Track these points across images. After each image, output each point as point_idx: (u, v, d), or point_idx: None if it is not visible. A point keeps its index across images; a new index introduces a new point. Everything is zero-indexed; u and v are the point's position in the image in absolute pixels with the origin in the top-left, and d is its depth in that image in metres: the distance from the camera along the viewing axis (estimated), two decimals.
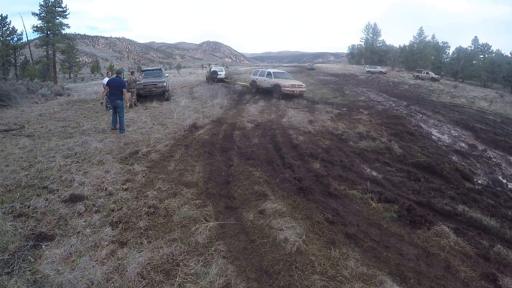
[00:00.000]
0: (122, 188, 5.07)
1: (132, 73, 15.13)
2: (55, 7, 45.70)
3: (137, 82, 14.72)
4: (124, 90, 9.43)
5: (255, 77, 20.72)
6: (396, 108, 15.63)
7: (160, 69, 18.90)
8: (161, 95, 16.02)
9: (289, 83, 17.49)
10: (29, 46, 42.97)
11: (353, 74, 46.00)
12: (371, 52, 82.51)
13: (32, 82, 24.17)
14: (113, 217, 4.15)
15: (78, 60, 62.32)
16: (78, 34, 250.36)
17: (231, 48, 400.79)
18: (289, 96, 17.14)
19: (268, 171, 6.09)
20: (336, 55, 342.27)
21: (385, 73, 48.07)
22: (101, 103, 12.77)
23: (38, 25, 44.86)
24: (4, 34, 40.23)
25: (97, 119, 11.51)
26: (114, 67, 46.72)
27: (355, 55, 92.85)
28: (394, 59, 77.07)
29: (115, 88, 9.32)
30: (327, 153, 7.42)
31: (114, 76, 9.91)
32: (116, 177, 5.55)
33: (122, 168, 6.04)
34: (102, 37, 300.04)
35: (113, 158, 6.69)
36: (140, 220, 4.06)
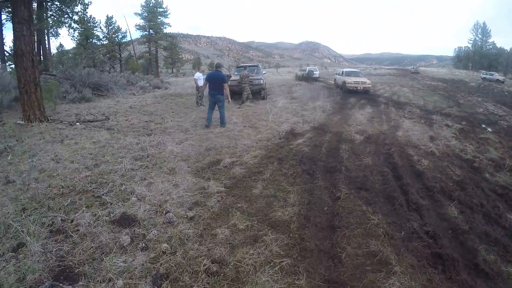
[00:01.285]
0: (187, 216, 3.88)
1: (245, 68, 15.16)
2: (157, 8, 50.94)
3: (249, 77, 14.60)
4: (225, 84, 9.02)
5: (336, 76, 24.38)
6: None
7: (257, 65, 18.40)
8: (257, 93, 15.49)
9: (353, 80, 20.25)
10: (132, 43, 49.11)
11: (462, 80, 42.08)
12: (480, 56, 74.33)
13: (134, 75, 26.24)
14: (161, 265, 2.93)
15: (180, 56, 68.21)
16: (181, 33, 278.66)
17: (329, 48, 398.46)
18: (354, 92, 19.49)
19: (388, 213, 4.24)
20: (439, 58, 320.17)
21: (503, 82, 40.91)
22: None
23: (141, 24, 51.18)
24: (110, 32, 45.81)
25: (185, 115, 11.10)
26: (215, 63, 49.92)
27: (462, 59, 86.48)
28: (507, 65, 66.82)
29: (216, 83, 8.98)
30: (463, 190, 5.23)
31: (213, 70, 9.48)
32: (184, 195, 4.44)
33: (195, 183, 4.93)
34: (204, 36, 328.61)
35: (188, 167, 5.71)
36: (195, 281, 2.73)
